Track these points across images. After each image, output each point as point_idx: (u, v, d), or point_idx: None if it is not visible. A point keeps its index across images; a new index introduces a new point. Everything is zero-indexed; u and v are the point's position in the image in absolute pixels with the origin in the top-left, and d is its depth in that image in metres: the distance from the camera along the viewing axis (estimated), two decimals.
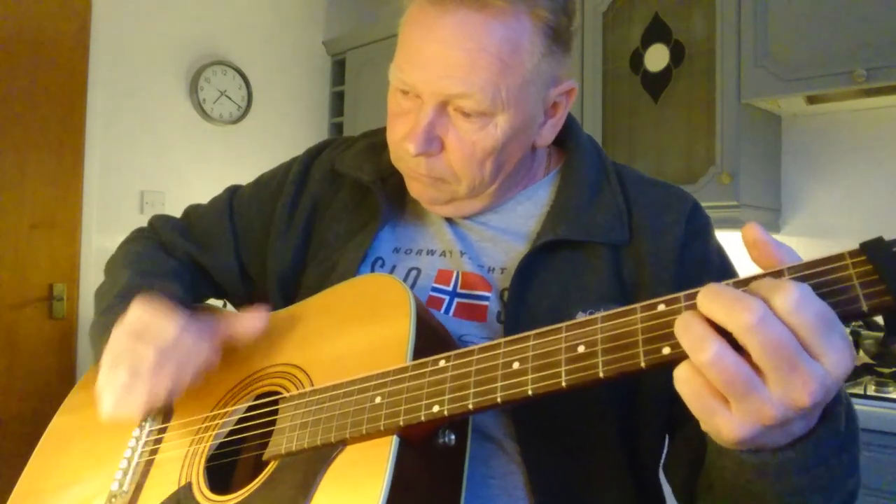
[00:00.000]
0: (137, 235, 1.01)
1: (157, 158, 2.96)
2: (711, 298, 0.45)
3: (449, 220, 0.85)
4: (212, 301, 0.98)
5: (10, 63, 2.58)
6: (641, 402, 0.74)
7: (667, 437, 0.78)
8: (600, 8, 2.43)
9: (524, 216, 0.83)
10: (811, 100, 2.11)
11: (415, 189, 0.81)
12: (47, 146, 2.67)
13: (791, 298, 0.43)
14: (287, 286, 0.88)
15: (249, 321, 0.76)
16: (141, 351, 0.70)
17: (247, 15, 3.24)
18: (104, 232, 2.76)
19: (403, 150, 0.75)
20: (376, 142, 0.91)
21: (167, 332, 0.71)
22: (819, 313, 0.43)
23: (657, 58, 2.30)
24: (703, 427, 0.49)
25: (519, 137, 0.76)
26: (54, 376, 2.67)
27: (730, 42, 2.12)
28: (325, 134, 3.51)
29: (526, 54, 0.72)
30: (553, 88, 0.77)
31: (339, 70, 3.51)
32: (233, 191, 1.00)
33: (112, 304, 0.82)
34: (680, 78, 2.26)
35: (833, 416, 0.51)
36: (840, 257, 0.45)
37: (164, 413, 0.75)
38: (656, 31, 2.31)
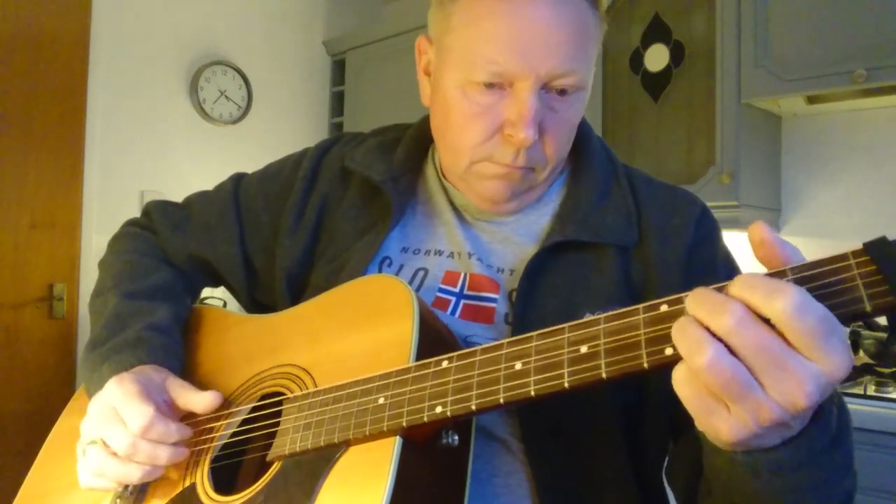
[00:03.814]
0: (130, 231, 0.99)
1: (157, 158, 2.96)
2: (696, 303, 0.46)
3: (462, 221, 0.84)
4: (211, 301, 0.98)
5: (10, 63, 2.58)
6: (647, 403, 0.74)
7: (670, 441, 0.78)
8: None
9: (536, 217, 0.83)
10: (811, 100, 2.11)
11: (493, 188, 0.78)
12: (47, 146, 2.66)
13: (791, 302, 0.43)
14: (295, 284, 0.88)
15: (203, 402, 0.75)
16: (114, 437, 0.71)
17: (247, 15, 3.24)
18: (104, 232, 2.75)
19: (508, 142, 0.73)
20: (386, 140, 0.91)
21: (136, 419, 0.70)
22: (819, 317, 0.43)
23: (657, 58, 2.30)
24: (699, 426, 0.49)
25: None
26: (54, 376, 2.65)
27: (730, 42, 2.12)
28: (325, 134, 3.50)
29: (598, 24, 0.75)
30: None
31: (339, 70, 3.51)
32: (237, 180, 0.98)
33: (100, 337, 0.82)
34: (680, 78, 2.26)
35: (824, 413, 0.51)
36: (843, 257, 0.45)
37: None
38: (656, 31, 2.31)
